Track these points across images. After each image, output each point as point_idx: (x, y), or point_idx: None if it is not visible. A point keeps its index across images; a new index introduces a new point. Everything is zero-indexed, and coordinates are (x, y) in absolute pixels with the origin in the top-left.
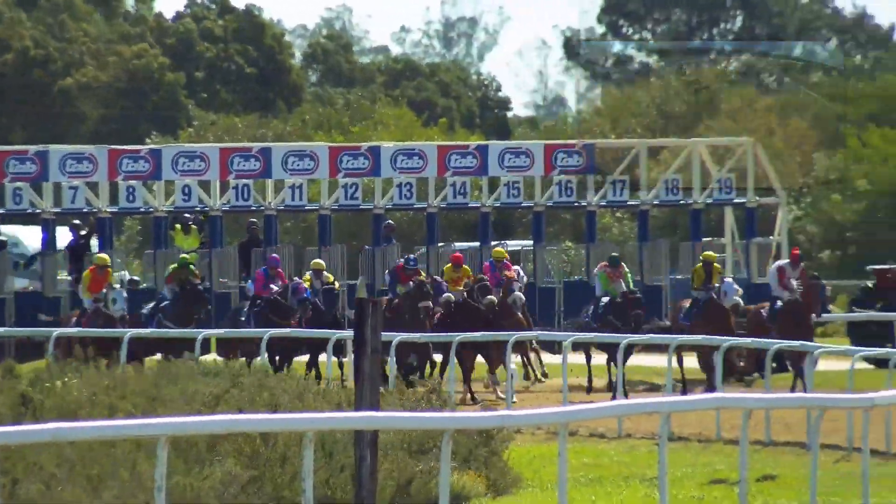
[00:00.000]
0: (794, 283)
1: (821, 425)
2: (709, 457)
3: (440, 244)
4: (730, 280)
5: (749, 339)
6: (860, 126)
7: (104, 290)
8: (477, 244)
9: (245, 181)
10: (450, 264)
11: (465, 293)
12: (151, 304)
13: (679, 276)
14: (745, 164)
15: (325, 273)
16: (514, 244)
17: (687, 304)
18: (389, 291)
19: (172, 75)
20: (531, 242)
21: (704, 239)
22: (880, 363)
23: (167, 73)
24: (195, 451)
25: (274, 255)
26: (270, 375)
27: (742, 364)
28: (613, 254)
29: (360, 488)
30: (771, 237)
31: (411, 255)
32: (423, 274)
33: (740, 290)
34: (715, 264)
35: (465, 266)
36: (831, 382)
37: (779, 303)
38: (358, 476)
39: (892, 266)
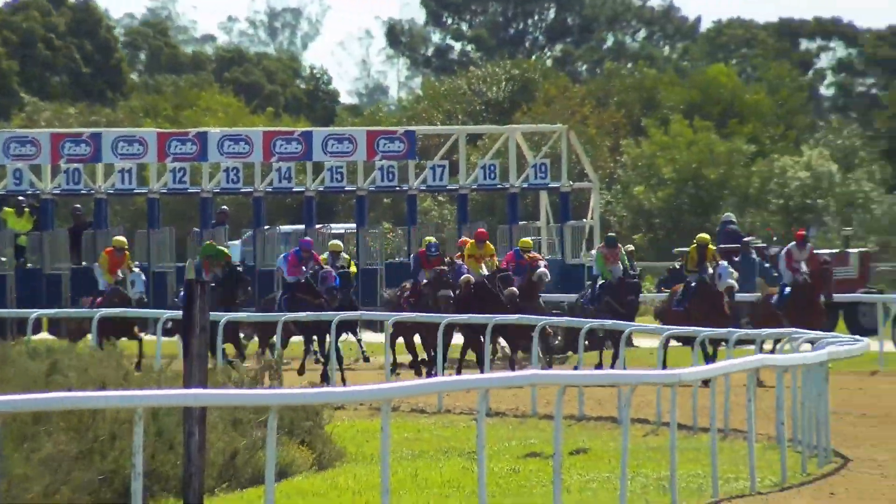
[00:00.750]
0: (803, 265)
1: (631, 401)
2: (525, 431)
3: (266, 227)
4: (724, 263)
5: (564, 319)
6: (668, 115)
7: (120, 273)
8: (302, 227)
9: (76, 165)
10: (472, 240)
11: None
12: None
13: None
14: (559, 151)
15: (342, 255)
16: (337, 227)
17: (680, 288)
18: (413, 277)
19: (6, 63)
20: (354, 225)
21: (521, 222)
22: (688, 341)
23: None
24: (25, 428)
25: (307, 238)
26: (96, 356)
27: (558, 342)
28: (610, 234)
29: (189, 463)
30: (584, 220)
31: (433, 242)
32: (446, 260)
33: (735, 273)
34: (710, 246)
35: (489, 243)
36: (642, 360)
37: (787, 288)
38: (186, 451)
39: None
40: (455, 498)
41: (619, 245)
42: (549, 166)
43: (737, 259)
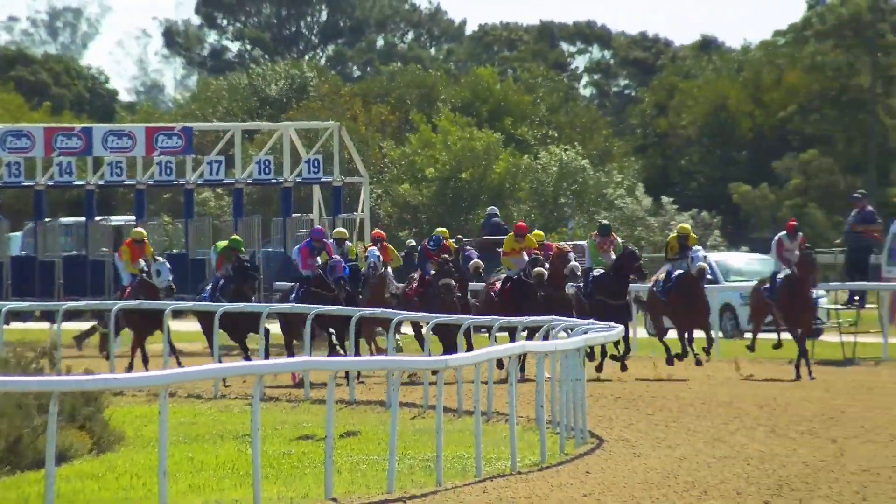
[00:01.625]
0: (796, 254)
1: (399, 385)
2: (298, 415)
3: (47, 219)
4: (697, 247)
5: (335, 308)
6: (441, 111)
7: (142, 263)
8: (83, 219)
9: None
10: (511, 233)
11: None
12: (209, 287)
13: (271, 249)
14: (331, 147)
15: (347, 243)
16: (116, 219)
17: (662, 275)
18: (420, 269)
19: None
20: (134, 218)
21: (294, 214)
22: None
23: None
24: None
25: (318, 227)
26: None
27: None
28: (604, 222)
29: None
30: (355, 213)
31: (435, 235)
32: (453, 248)
33: (706, 255)
34: (691, 235)
35: (530, 236)
36: (413, 346)
37: (778, 277)
38: None
39: (468, 239)
40: (230, 479)
41: (614, 234)
42: (322, 162)
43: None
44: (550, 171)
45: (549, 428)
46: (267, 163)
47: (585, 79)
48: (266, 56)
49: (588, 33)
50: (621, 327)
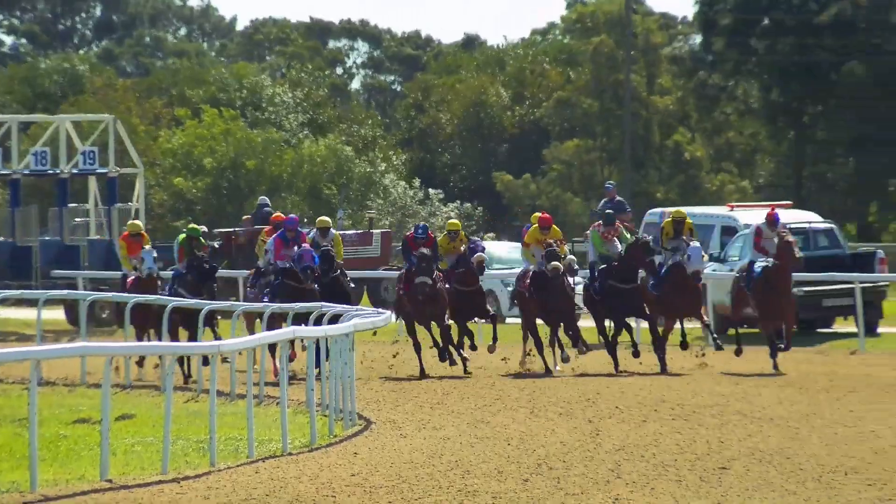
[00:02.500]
0: (774, 242)
1: (173, 370)
2: (75, 399)
3: None
4: (696, 244)
5: (143, 297)
6: (199, 107)
7: (142, 256)
8: None
9: None
10: (535, 225)
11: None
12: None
13: (48, 237)
14: (107, 139)
15: (332, 232)
16: None
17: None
18: (405, 262)
19: None
20: None
21: (71, 204)
22: (225, 315)
23: None
24: None
25: (292, 215)
26: None
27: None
28: (608, 210)
29: None
30: (130, 203)
31: (421, 223)
32: (464, 239)
33: (706, 257)
34: (687, 220)
35: (556, 227)
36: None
37: (756, 267)
38: None
39: (235, 229)
40: (8, 462)
41: (618, 221)
42: (98, 153)
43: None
44: (326, 165)
45: (319, 411)
46: (43, 154)
47: (357, 75)
48: (40, 50)
49: (359, 30)
50: (388, 314)
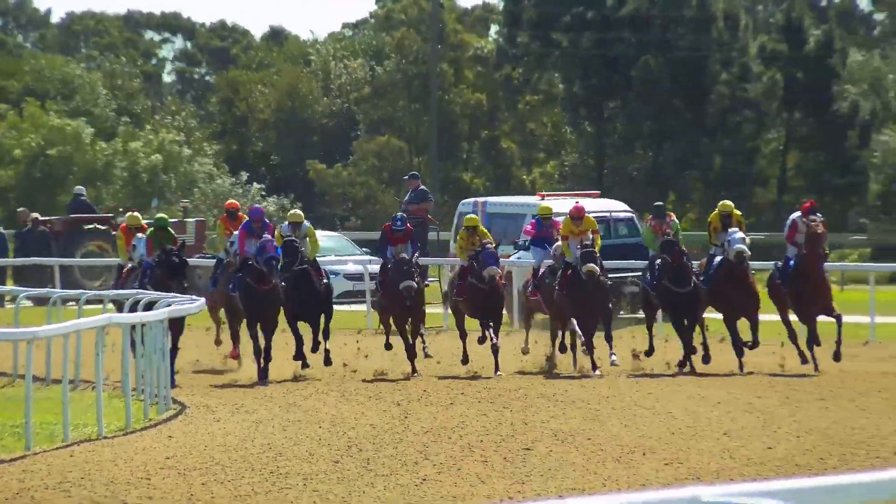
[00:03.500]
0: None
1: None
2: None
3: None
4: (734, 229)
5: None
6: (18, 99)
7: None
8: None
9: None
10: (568, 217)
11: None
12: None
13: None
14: None
15: (305, 224)
16: None
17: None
18: (380, 254)
19: None
20: None
21: None
22: (41, 301)
23: None
24: None
25: (257, 206)
26: None
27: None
28: (658, 203)
29: None
30: None
31: (399, 214)
32: (486, 235)
33: (748, 239)
34: (735, 211)
35: (589, 217)
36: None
37: (791, 262)
38: None
39: (50, 218)
40: None
41: (671, 213)
42: None
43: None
44: (150, 158)
45: (133, 395)
46: None
47: (169, 67)
48: None
49: (173, 23)
50: (202, 300)
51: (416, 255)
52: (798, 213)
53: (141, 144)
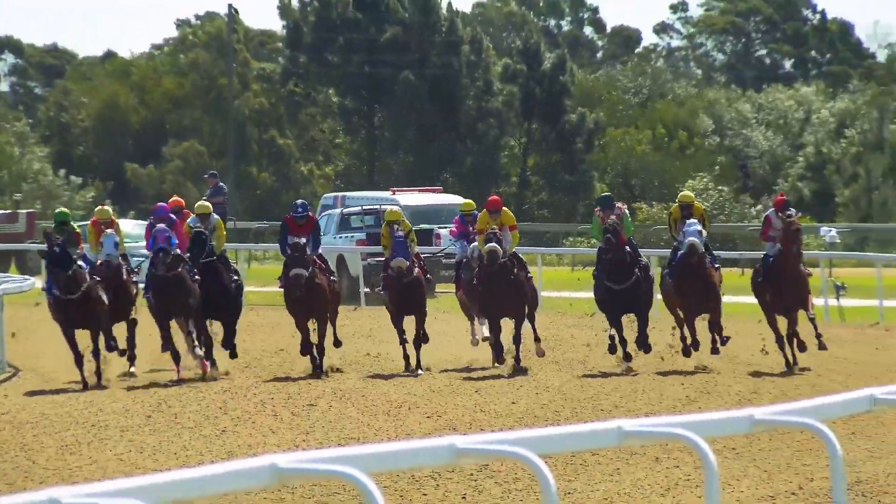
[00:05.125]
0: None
1: None
2: None
3: None
4: (693, 220)
5: None
6: None
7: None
8: None
9: None
10: (485, 210)
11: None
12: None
13: None
14: None
15: (213, 217)
16: None
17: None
18: (280, 248)
19: None
20: None
21: None
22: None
23: None
24: None
25: (160, 203)
26: None
27: None
28: (605, 194)
29: None
30: None
31: (299, 200)
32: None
33: (704, 231)
34: (695, 203)
35: (507, 210)
36: None
37: (770, 259)
38: None
39: None
40: None
41: (621, 205)
42: None
43: None
44: None
45: None
46: None
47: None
48: None
49: (5, 43)
50: (32, 280)
51: (312, 245)
52: (772, 209)
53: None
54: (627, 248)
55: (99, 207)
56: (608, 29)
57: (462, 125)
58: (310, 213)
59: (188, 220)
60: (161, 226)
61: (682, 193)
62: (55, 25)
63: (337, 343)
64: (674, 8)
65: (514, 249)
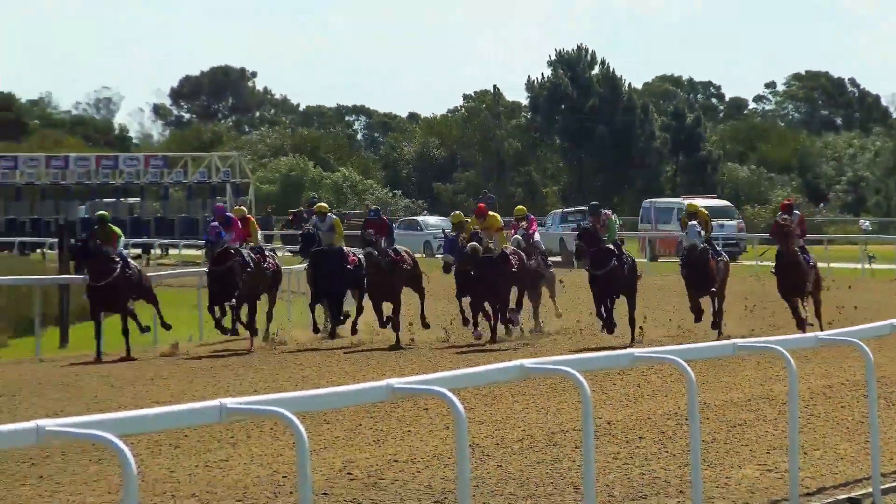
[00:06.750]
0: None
1: None
2: None
3: None
4: (694, 223)
5: None
6: None
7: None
8: None
9: None
10: (473, 215)
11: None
12: None
13: None
14: None
15: (330, 216)
16: None
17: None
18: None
19: None
20: None
21: None
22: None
23: None
24: None
25: (218, 204)
26: None
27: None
28: (593, 202)
29: None
30: None
31: (373, 207)
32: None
33: (703, 233)
34: (700, 210)
35: (494, 214)
36: None
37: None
38: None
39: None
40: None
41: (606, 211)
42: None
43: None
44: None
45: None
46: None
47: None
48: None
49: (361, 110)
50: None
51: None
52: (780, 213)
53: None
54: (611, 246)
55: (236, 207)
56: (726, 98)
57: (635, 158)
58: (382, 217)
59: (312, 219)
60: (214, 223)
61: (688, 202)
62: (370, 91)
63: (425, 324)
64: (767, 85)
65: (503, 247)
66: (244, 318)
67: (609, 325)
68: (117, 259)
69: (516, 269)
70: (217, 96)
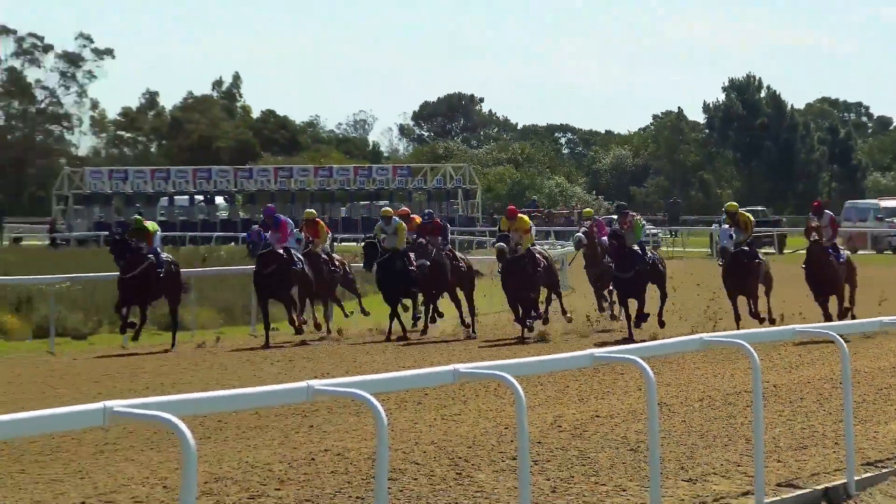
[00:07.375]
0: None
1: None
2: None
3: None
4: (726, 227)
5: None
6: None
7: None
8: None
9: None
10: (503, 216)
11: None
12: None
13: None
14: None
15: (395, 219)
16: None
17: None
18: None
19: None
20: None
21: None
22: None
23: None
24: None
25: (269, 204)
26: None
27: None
28: (620, 202)
29: None
30: None
31: (427, 210)
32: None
33: (734, 235)
34: (740, 211)
35: (522, 216)
36: None
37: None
38: None
39: None
40: None
41: (631, 213)
42: None
43: None
44: None
45: None
46: None
47: None
48: None
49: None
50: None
51: None
52: (811, 214)
53: None
54: (636, 247)
55: (307, 210)
56: (874, 116)
57: (797, 169)
58: (436, 219)
59: (377, 224)
60: (255, 227)
61: (728, 204)
62: (573, 111)
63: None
64: None
65: (528, 247)
66: (315, 315)
67: (638, 320)
68: (149, 255)
69: (541, 269)
70: (451, 118)
